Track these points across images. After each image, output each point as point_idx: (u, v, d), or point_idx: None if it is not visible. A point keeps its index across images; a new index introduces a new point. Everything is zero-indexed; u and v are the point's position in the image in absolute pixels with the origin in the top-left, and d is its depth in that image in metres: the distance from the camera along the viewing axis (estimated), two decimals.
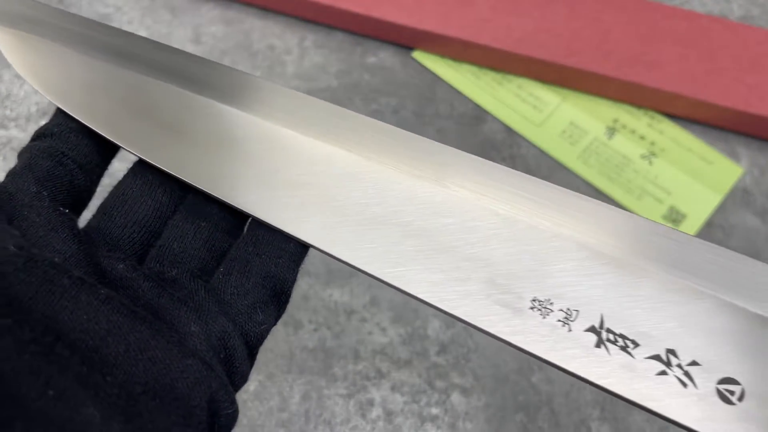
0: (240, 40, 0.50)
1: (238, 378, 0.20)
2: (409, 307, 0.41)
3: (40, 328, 0.16)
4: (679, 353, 0.17)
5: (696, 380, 0.17)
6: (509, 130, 0.47)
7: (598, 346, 0.18)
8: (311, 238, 0.21)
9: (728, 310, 0.18)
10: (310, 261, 0.42)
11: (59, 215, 0.20)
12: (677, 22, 0.47)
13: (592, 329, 0.18)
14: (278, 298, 0.22)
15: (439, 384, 0.39)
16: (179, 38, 0.50)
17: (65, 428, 0.14)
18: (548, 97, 0.48)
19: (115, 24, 0.51)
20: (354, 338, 0.40)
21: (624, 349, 0.18)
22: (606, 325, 0.18)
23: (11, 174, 0.21)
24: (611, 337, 0.18)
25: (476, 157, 0.21)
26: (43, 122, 0.47)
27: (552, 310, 0.19)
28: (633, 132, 0.47)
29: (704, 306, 0.18)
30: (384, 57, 0.50)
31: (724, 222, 0.44)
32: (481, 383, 0.39)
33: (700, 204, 0.44)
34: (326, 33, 0.51)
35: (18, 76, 0.49)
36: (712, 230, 0.43)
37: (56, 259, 0.18)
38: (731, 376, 0.17)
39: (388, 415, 0.38)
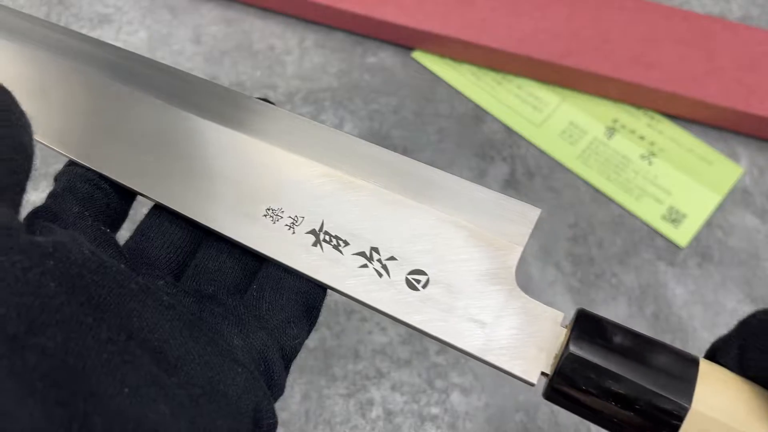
0: (240, 41, 0.50)
1: (276, 390, 0.22)
2: None
3: (115, 328, 0.16)
4: (381, 251, 0.21)
5: (391, 272, 0.21)
6: (509, 130, 0.47)
7: (315, 245, 0.22)
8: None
9: (427, 217, 0.22)
10: None
11: (103, 233, 0.21)
12: (677, 22, 0.47)
13: (312, 232, 0.22)
14: (309, 313, 0.23)
15: (439, 384, 0.39)
16: (179, 38, 0.50)
17: (140, 425, 0.15)
18: (548, 97, 0.48)
19: (115, 24, 0.51)
20: (354, 338, 0.40)
21: (336, 247, 0.22)
22: (325, 228, 0.22)
23: (53, 196, 0.22)
24: (327, 237, 0.22)
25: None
26: None
27: (282, 217, 0.22)
28: (633, 132, 0.47)
29: (408, 213, 0.22)
30: (384, 57, 0.50)
31: (723, 222, 0.44)
32: (481, 383, 0.39)
33: (700, 204, 0.44)
34: (326, 33, 0.51)
35: None
36: (711, 230, 0.43)
37: (122, 266, 0.19)
38: (420, 268, 0.21)
39: (388, 414, 0.38)
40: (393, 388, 0.39)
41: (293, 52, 0.50)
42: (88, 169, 0.23)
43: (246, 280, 0.23)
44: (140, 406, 0.15)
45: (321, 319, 0.40)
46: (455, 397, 0.38)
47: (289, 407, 0.38)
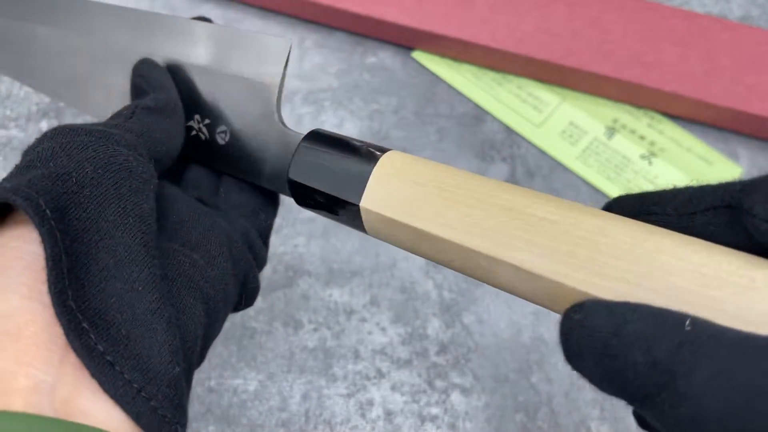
0: None
1: (260, 261, 0.26)
2: (409, 307, 0.41)
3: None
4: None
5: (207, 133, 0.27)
6: (509, 130, 0.47)
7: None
8: None
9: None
10: (309, 261, 0.42)
11: None
12: (677, 22, 0.47)
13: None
14: (271, 200, 0.27)
15: (439, 384, 0.39)
16: None
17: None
18: (548, 97, 0.48)
19: None
20: (354, 338, 0.40)
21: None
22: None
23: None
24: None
25: None
26: (43, 122, 0.47)
27: None
28: (633, 132, 0.47)
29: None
30: (384, 57, 0.50)
31: None
32: (481, 383, 0.39)
33: None
34: (326, 33, 0.51)
35: None
36: None
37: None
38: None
39: (388, 415, 0.38)
40: (393, 388, 0.39)
41: (293, 51, 0.50)
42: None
43: (214, 188, 0.27)
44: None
45: (321, 319, 0.40)
46: (455, 397, 0.38)
47: (289, 407, 0.38)
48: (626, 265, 0.16)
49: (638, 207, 0.18)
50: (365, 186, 0.21)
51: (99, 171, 0.19)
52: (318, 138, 0.23)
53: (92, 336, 0.17)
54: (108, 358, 0.17)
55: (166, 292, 0.19)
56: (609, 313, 0.15)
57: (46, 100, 0.48)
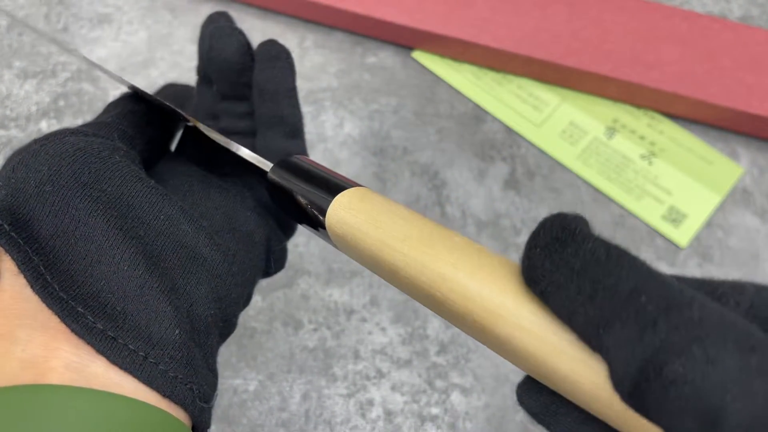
0: None
1: (287, 226, 0.27)
2: (409, 307, 0.41)
3: (153, 182, 0.22)
4: None
5: None
6: (509, 130, 0.47)
7: None
8: None
9: None
10: (309, 261, 0.42)
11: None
12: (677, 22, 0.47)
13: None
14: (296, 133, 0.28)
15: (439, 384, 0.39)
16: (179, 38, 0.50)
17: (178, 241, 0.21)
18: (548, 97, 0.48)
19: (115, 24, 0.51)
20: (354, 338, 0.40)
21: None
22: None
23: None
24: None
25: None
26: (43, 122, 0.47)
27: None
28: (633, 132, 0.47)
29: None
30: (384, 57, 0.50)
31: (724, 222, 0.44)
32: (481, 383, 0.39)
33: (700, 204, 0.44)
34: (326, 33, 0.51)
35: (18, 76, 0.49)
36: (712, 230, 0.43)
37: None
38: None
39: (388, 415, 0.38)
40: (393, 388, 0.39)
41: (293, 52, 0.49)
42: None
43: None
44: (172, 227, 0.21)
45: (321, 319, 0.40)
46: (455, 397, 0.38)
47: (289, 407, 0.38)
48: None
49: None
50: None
51: (54, 168, 0.20)
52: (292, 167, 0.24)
53: (89, 318, 0.18)
54: (110, 333, 0.18)
55: (155, 264, 0.20)
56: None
57: (47, 99, 0.48)
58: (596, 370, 0.14)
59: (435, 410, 0.38)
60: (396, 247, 0.18)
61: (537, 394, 0.17)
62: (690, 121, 0.47)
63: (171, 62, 0.49)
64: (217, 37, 0.26)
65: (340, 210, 0.21)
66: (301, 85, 0.48)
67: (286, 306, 0.41)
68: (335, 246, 0.22)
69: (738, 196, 0.45)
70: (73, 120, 0.47)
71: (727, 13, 0.52)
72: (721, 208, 0.44)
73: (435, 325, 0.40)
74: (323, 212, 0.21)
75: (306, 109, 0.47)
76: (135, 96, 0.26)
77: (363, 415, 0.38)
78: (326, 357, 0.39)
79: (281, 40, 0.27)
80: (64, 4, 0.52)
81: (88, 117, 0.47)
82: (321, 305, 0.41)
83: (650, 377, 0.12)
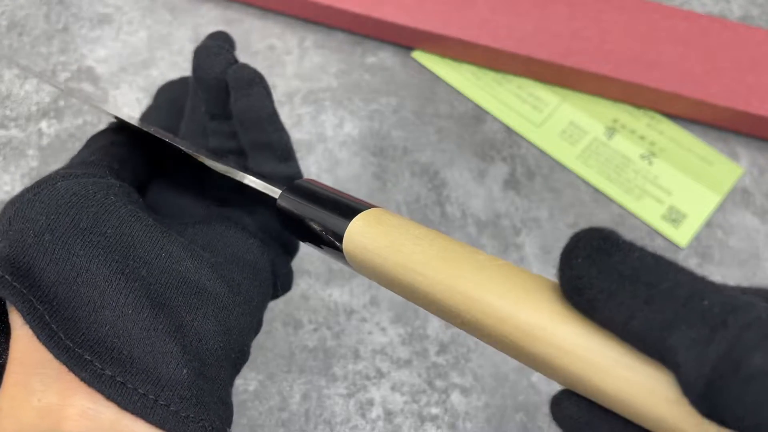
0: (240, 41, 0.50)
1: (291, 247, 0.27)
2: (410, 307, 0.41)
3: (154, 220, 0.22)
4: None
5: None
6: (509, 130, 0.47)
7: None
8: None
9: None
10: (309, 261, 0.42)
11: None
12: (677, 22, 0.47)
13: None
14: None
15: (439, 384, 0.39)
16: (179, 38, 0.50)
17: (182, 278, 0.21)
18: (548, 97, 0.48)
19: (115, 24, 0.51)
20: (354, 338, 0.40)
21: None
22: None
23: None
24: None
25: None
26: (43, 122, 0.47)
27: None
28: (633, 132, 0.47)
29: None
30: (384, 57, 0.50)
31: (724, 222, 0.44)
32: (481, 383, 0.39)
33: (700, 204, 0.44)
34: (326, 33, 0.51)
35: (18, 76, 0.49)
36: (711, 230, 0.43)
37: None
38: None
39: (388, 415, 0.38)
40: (393, 388, 0.39)
41: (293, 52, 0.50)
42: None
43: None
44: (174, 263, 0.21)
45: (321, 319, 0.40)
46: (455, 397, 0.38)
47: (289, 407, 0.38)
48: None
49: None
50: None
51: (51, 216, 0.20)
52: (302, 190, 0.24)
53: (97, 364, 0.18)
54: (119, 379, 0.18)
55: (159, 305, 0.20)
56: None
57: (47, 99, 0.48)
58: (650, 382, 0.14)
59: (435, 410, 0.38)
60: (418, 270, 0.18)
61: (575, 406, 0.16)
62: (690, 121, 0.47)
63: (171, 62, 0.49)
64: (204, 57, 0.25)
65: (357, 236, 0.20)
66: (301, 85, 0.48)
67: (286, 306, 0.41)
68: (350, 267, 0.21)
69: (738, 196, 0.45)
70: (73, 120, 0.47)
71: (727, 13, 0.52)
72: (721, 208, 0.44)
73: (435, 325, 0.40)
74: (339, 238, 0.21)
75: (306, 109, 0.47)
76: (117, 127, 0.25)
77: (363, 415, 0.38)
78: (326, 357, 0.39)
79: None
80: (64, 4, 0.52)
81: (88, 117, 0.47)
82: (321, 305, 0.41)
83: (726, 374, 0.12)
